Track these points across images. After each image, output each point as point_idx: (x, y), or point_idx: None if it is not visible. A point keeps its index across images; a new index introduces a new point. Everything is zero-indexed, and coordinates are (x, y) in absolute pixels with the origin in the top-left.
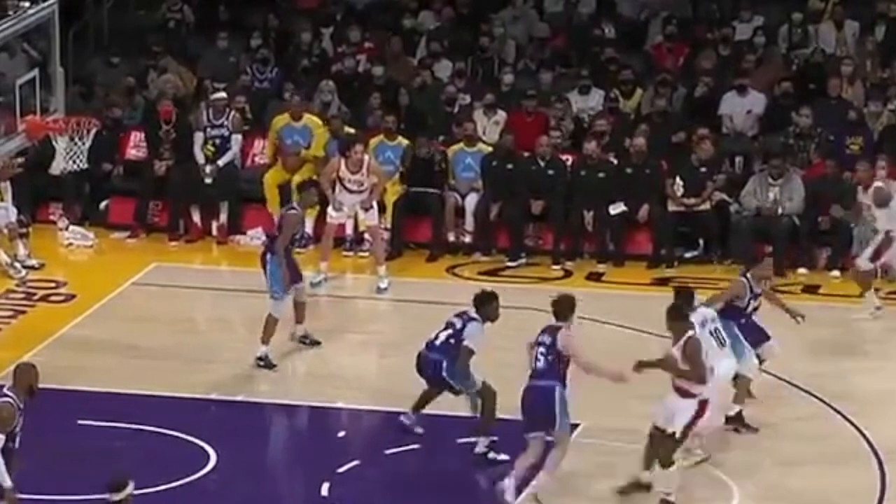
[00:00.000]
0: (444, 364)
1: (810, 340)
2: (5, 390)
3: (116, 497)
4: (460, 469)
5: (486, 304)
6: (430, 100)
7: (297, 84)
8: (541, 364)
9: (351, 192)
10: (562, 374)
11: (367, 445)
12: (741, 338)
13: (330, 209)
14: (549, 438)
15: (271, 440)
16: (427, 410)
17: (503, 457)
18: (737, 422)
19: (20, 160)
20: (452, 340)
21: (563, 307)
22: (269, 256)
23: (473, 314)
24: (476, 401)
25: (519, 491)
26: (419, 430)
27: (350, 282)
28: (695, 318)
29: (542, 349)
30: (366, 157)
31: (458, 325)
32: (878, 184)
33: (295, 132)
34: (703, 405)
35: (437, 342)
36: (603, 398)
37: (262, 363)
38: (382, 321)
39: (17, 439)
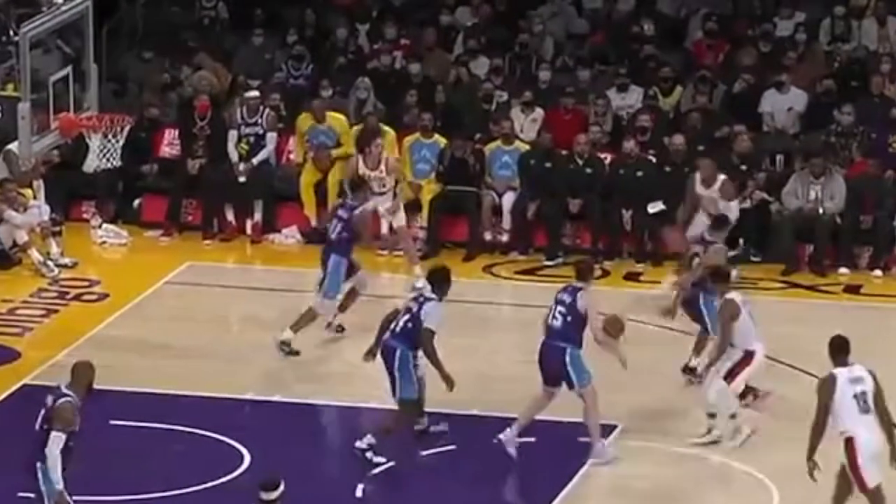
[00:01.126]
0: (398, 352)
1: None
2: (63, 389)
3: (269, 496)
4: (497, 470)
5: (443, 282)
6: (466, 97)
7: (333, 81)
8: (557, 323)
9: (373, 192)
10: (578, 335)
11: (403, 446)
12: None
13: None
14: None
15: (306, 441)
16: (463, 411)
17: (380, 459)
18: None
19: (56, 151)
20: (411, 325)
21: (586, 269)
22: (332, 256)
23: (429, 293)
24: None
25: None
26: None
27: (385, 281)
28: (844, 372)
29: (561, 308)
30: (385, 153)
31: (415, 308)
32: (723, 177)
33: (321, 133)
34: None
35: (398, 329)
36: (641, 400)
37: (286, 349)
38: None
39: (75, 439)
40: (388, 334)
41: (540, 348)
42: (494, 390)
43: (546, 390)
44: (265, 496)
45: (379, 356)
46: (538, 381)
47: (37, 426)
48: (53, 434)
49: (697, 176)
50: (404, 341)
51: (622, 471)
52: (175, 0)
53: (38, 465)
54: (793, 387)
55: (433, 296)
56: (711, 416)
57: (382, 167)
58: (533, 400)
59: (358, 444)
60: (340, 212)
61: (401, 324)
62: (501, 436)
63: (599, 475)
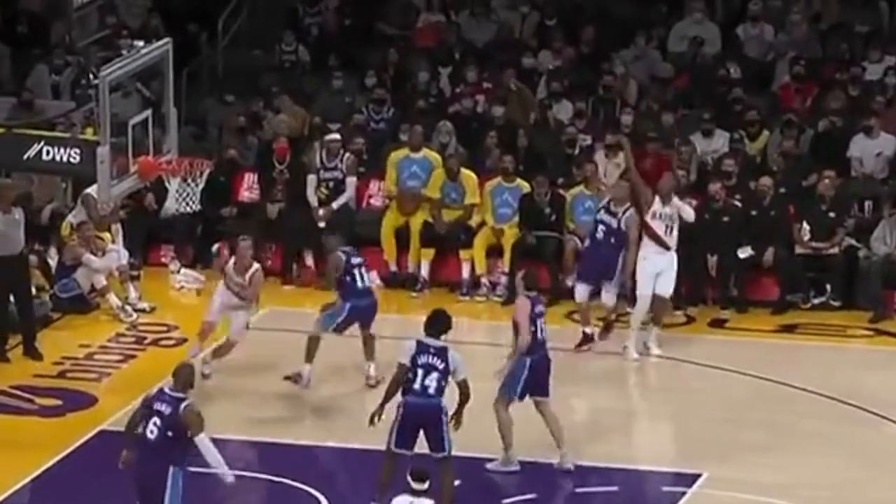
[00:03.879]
0: (445, 411)
1: None
2: (171, 392)
3: (420, 486)
4: None
5: (448, 325)
6: (549, 141)
7: (414, 125)
8: (546, 334)
9: (232, 292)
10: None
11: (484, 495)
12: None
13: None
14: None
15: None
16: (545, 459)
17: None
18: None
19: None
20: (444, 383)
21: (533, 279)
22: None
23: (441, 343)
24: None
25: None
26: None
27: (465, 327)
28: None
29: (542, 321)
30: (256, 266)
31: (440, 364)
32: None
33: (414, 163)
34: None
35: (433, 389)
36: (723, 449)
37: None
38: (497, 368)
39: None
40: (416, 396)
41: (542, 361)
42: (577, 438)
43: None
44: (416, 486)
45: (409, 415)
46: (618, 428)
47: (153, 435)
48: (198, 438)
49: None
50: (443, 400)
51: None
52: (256, 43)
53: (171, 468)
54: (878, 434)
55: (447, 344)
56: None
57: (249, 276)
58: (549, 420)
59: None
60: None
61: (434, 383)
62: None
63: None
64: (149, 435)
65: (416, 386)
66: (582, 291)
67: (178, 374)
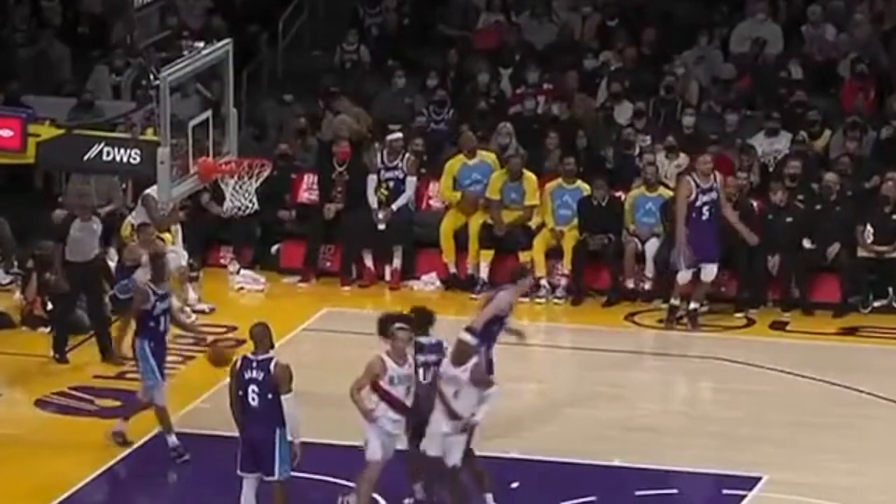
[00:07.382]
0: None
1: None
2: (257, 357)
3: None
4: None
5: (433, 321)
6: (610, 143)
7: (474, 126)
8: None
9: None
10: None
11: (542, 497)
12: None
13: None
14: None
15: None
16: (604, 462)
17: None
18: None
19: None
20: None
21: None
22: None
23: (436, 339)
24: None
25: None
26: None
27: (525, 329)
28: None
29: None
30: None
31: (438, 359)
32: None
33: (473, 170)
34: None
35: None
36: (785, 452)
37: None
38: (558, 369)
39: None
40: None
41: None
42: (635, 440)
43: None
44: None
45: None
46: (678, 431)
47: (255, 402)
48: (285, 397)
49: None
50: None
51: None
52: (316, 44)
53: (277, 430)
54: None
55: (440, 339)
56: None
57: (410, 361)
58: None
59: None
60: None
61: (433, 378)
62: None
63: None
64: (251, 403)
65: (421, 382)
66: (685, 276)
67: (255, 337)
